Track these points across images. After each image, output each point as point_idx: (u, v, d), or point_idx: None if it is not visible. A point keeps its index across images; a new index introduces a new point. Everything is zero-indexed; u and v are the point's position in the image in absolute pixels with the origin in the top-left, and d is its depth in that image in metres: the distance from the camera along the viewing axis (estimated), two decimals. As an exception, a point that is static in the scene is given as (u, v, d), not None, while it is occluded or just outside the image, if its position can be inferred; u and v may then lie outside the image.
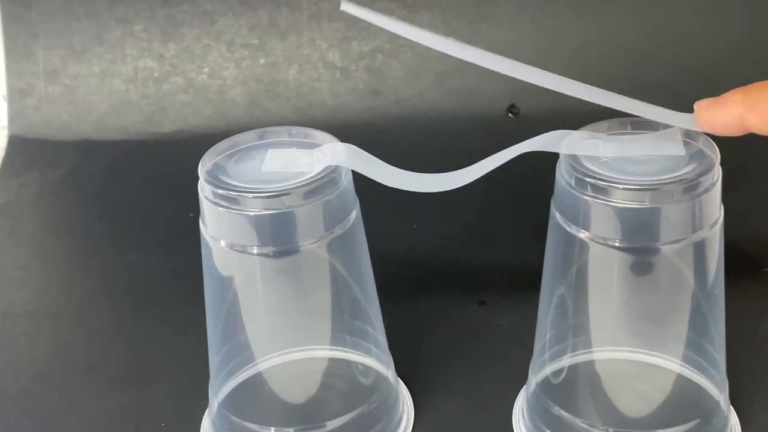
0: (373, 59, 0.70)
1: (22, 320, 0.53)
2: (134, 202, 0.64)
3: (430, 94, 0.69)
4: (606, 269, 0.38)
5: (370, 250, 0.42)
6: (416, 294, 0.52)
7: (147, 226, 0.61)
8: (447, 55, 0.69)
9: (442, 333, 0.49)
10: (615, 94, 0.37)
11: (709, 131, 0.37)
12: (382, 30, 0.70)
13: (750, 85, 0.36)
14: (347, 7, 0.37)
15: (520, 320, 0.49)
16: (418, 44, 0.70)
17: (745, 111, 0.35)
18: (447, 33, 0.70)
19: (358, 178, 0.40)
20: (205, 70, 0.71)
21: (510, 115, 0.65)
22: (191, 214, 0.60)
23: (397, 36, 0.70)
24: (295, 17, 0.70)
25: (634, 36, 0.67)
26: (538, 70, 0.37)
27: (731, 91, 0.36)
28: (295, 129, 0.42)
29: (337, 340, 0.44)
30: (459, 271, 0.54)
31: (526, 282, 0.51)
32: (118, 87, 0.71)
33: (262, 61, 0.70)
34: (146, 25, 0.70)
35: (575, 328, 0.41)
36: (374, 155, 0.39)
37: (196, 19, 0.70)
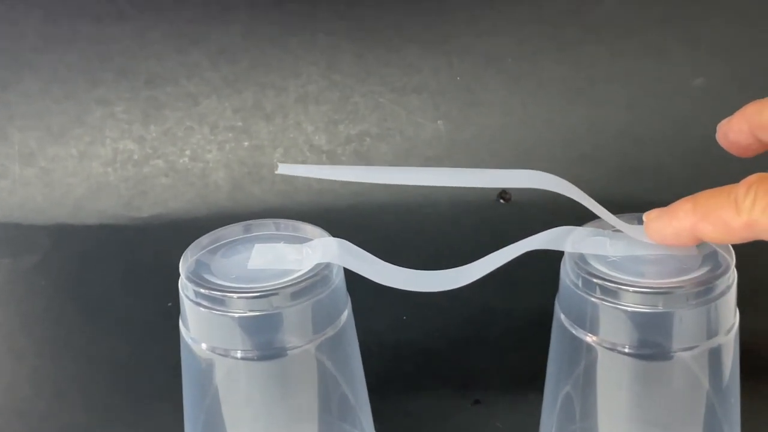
0: (360, 143, 0.68)
1: (-13, 419, 0.50)
2: (110, 290, 0.61)
3: (418, 178, 0.67)
4: (615, 375, 0.36)
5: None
6: (407, 392, 0.49)
7: (123, 317, 0.58)
8: (436, 138, 0.68)
9: (436, 436, 0.47)
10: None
11: (660, 242, 0.35)
12: (371, 112, 0.69)
13: (699, 194, 0.34)
14: (283, 170, 0.37)
15: (516, 422, 0.46)
16: (406, 128, 0.69)
17: (697, 221, 0.34)
18: (437, 117, 0.69)
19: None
20: (187, 152, 0.69)
21: (501, 200, 0.63)
22: (170, 304, 0.58)
23: (385, 119, 0.69)
24: (281, 99, 0.68)
25: (625, 121, 0.66)
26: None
27: (680, 201, 0.35)
28: (283, 222, 0.39)
29: (324, 446, 0.41)
30: (451, 367, 0.51)
31: (521, 381, 0.48)
32: (96, 170, 0.68)
33: (246, 143, 0.68)
34: (127, 106, 0.68)
35: (582, 434, 0.39)
36: (360, 243, 0.37)
37: (179, 101, 0.68)
